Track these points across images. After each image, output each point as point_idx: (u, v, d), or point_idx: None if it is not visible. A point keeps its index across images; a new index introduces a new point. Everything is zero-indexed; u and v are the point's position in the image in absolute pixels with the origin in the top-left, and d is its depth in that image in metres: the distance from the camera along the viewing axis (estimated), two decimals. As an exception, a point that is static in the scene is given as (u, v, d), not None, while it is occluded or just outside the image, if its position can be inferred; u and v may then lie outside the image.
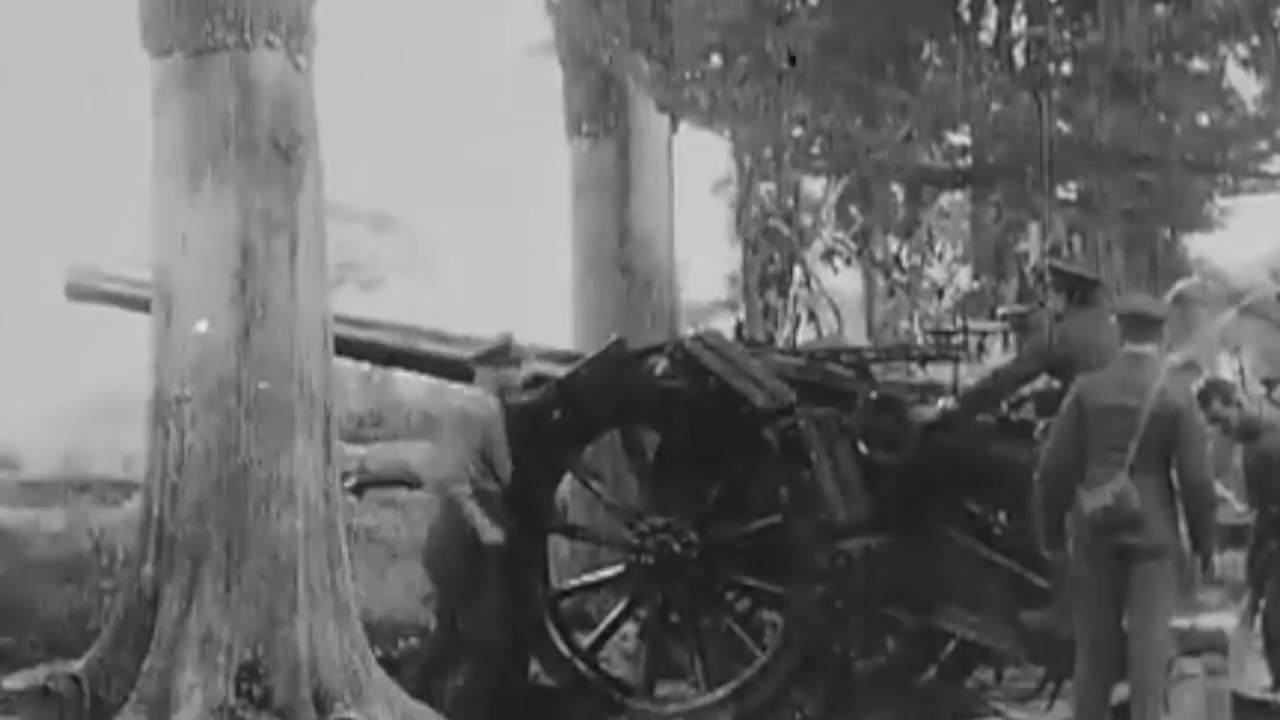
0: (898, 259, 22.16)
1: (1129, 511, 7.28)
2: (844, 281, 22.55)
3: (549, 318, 13.79)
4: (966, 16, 15.31)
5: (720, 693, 8.53)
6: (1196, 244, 20.69)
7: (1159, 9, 14.45)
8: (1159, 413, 7.35)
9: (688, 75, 13.43)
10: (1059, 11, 14.97)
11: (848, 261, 22.14)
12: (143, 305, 8.71)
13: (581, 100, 12.53)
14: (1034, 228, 18.16)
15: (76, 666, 8.42)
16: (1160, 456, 7.41)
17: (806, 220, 20.96)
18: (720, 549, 8.74)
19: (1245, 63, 14.58)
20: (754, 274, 20.14)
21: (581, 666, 8.93)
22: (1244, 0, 14.04)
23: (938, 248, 22.58)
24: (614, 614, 9.12)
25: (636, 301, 12.30)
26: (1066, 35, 14.53)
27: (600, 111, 12.44)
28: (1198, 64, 15.10)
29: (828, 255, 21.68)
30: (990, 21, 15.33)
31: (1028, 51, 15.14)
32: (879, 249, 22.09)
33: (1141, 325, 7.59)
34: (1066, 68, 15.15)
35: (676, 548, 8.67)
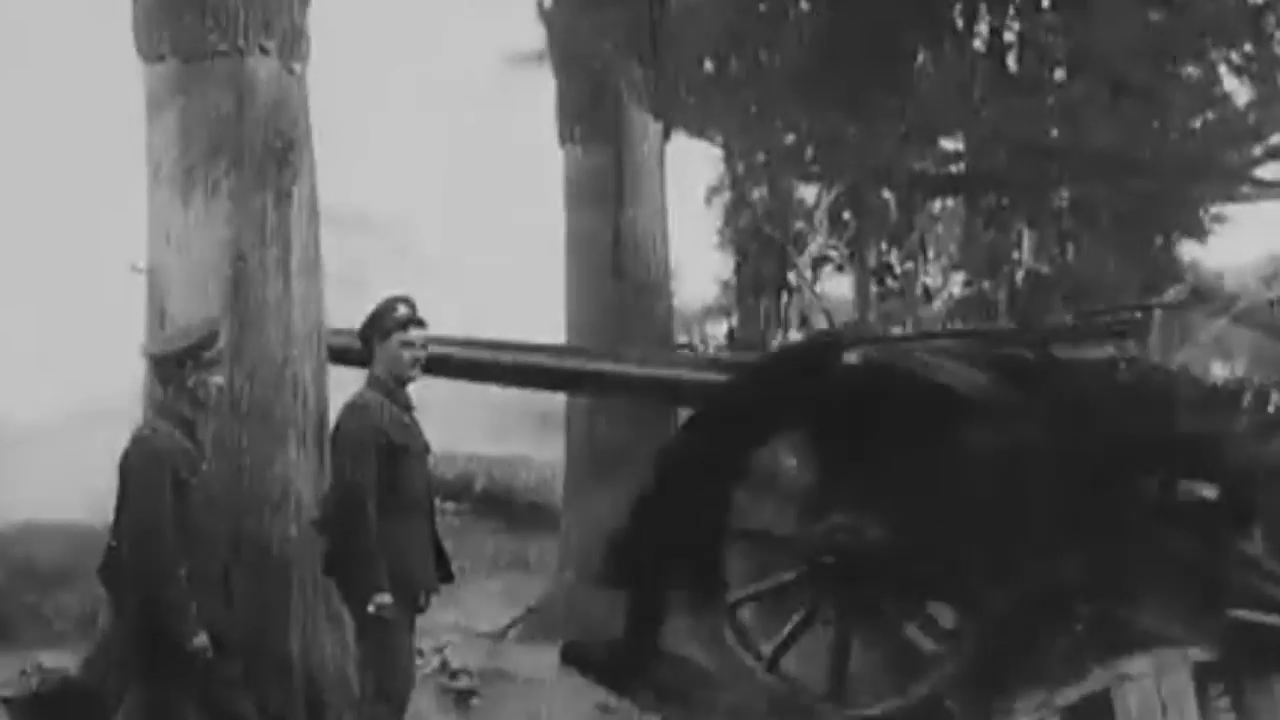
0: (890, 265, 22.18)
1: None
2: (836, 287, 22.58)
3: (542, 323, 13.79)
4: (960, 22, 15.33)
5: (908, 696, 8.20)
6: (1189, 250, 20.75)
7: (1152, 15, 14.47)
8: None
9: (681, 82, 13.44)
10: (1051, 18, 15.00)
11: (840, 267, 22.16)
12: None
13: (574, 106, 12.54)
14: (1027, 233, 18.18)
15: (70, 670, 8.42)
16: None
17: (799, 226, 20.99)
18: (906, 548, 8.32)
19: (1238, 69, 14.61)
20: (747, 280, 20.16)
21: (766, 676, 8.53)
22: (1236, 6, 14.07)
23: (930, 253, 22.60)
24: (796, 619, 8.66)
25: (630, 307, 12.30)
26: (1060, 41, 14.56)
27: (593, 118, 12.45)
28: (1191, 70, 15.12)
29: (820, 261, 21.71)
30: (984, 27, 15.35)
31: (1021, 57, 15.17)
32: (872, 255, 22.12)
33: None
34: (1060, 74, 15.18)
35: (860, 547, 8.30)
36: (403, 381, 7.60)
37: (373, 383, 7.56)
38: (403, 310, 7.59)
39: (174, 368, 7.01)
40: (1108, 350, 8.44)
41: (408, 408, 7.63)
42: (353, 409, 7.52)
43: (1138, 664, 7.68)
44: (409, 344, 7.56)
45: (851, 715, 8.33)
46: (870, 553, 8.29)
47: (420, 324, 7.63)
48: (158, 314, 8.26)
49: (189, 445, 6.99)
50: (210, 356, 7.06)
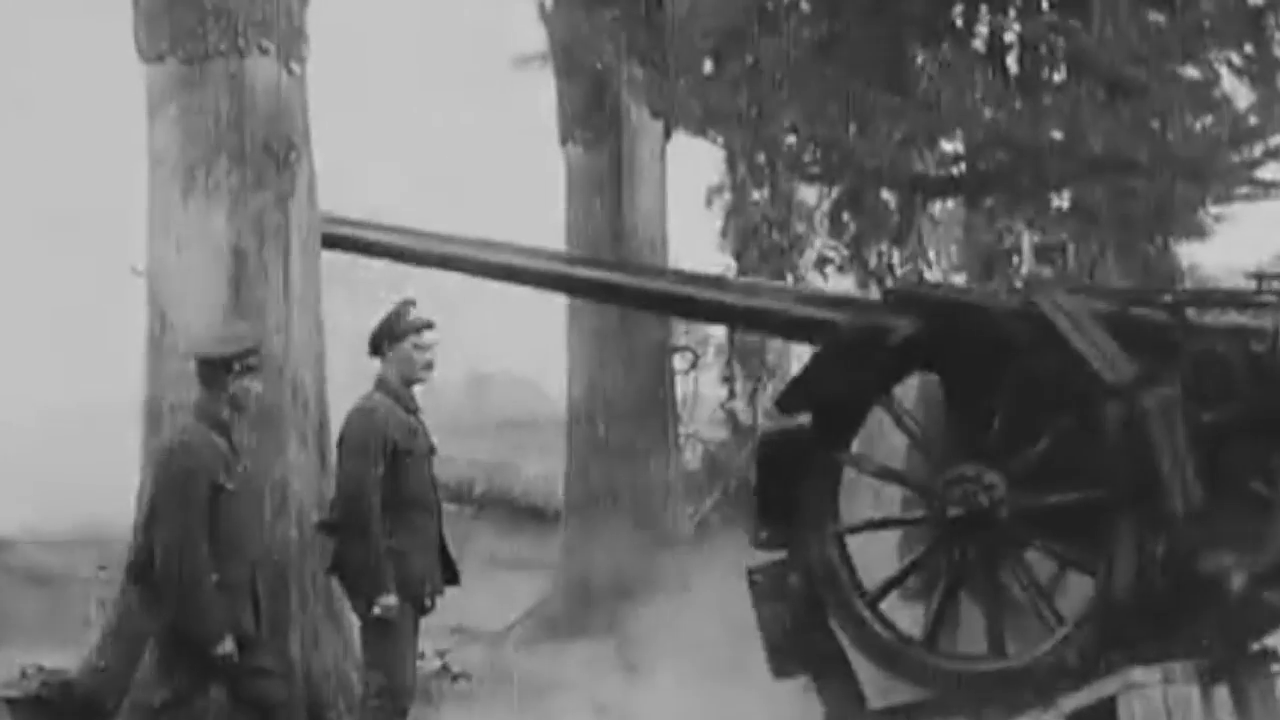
0: (891, 266, 22.15)
1: None
2: (837, 288, 22.53)
3: (542, 323, 13.79)
4: (959, 23, 15.30)
5: (1016, 660, 7.90)
6: (1189, 252, 20.70)
7: (1152, 16, 14.44)
8: None
9: (681, 82, 13.41)
10: (1051, 17, 14.97)
11: (841, 268, 22.12)
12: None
13: (575, 106, 12.53)
14: (1026, 235, 18.12)
15: (70, 673, 8.41)
16: None
17: (799, 227, 20.95)
18: (1032, 510, 8.00)
19: (1239, 71, 14.59)
20: (747, 281, 20.11)
21: (866, 613, 8.17)
22: (1236, 7, 14.06)
23: (931, 254, 22.58)
24: (906, 562, 8.38)
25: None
26: (1060, 41, 14.54)
27: (594, 118, 12.44)
28: (1191, 71, 15.10)
29: (821, 262, 21.68)
30: (983, 28, 15.32)
31: (1021, 58, 15.13)
32: (872, 256, 22.09)
33: None
34: (1060, 75, 15.15)
35: (986, 501, 7.98)
36: (409, 384, 7.62)
37: (380, 386, 7.58)
38: (415, 314, 7.63)
39: (220, 371, 7.02)
40: (1244, 319, 8.27)
41: (413, 410, 7.65)
42: (359, 412, 7.54)
43: (1144, 672, 7.66)
44: (421, 347, 7.59)
45: (937, 665, 8.04)
46: (994, 508, 7.95)
47: (430, 326, 7.67)
48: (158, 314, 8.26)
49: (225, 449, 7.01)
50: (254, 362, 7.08)
